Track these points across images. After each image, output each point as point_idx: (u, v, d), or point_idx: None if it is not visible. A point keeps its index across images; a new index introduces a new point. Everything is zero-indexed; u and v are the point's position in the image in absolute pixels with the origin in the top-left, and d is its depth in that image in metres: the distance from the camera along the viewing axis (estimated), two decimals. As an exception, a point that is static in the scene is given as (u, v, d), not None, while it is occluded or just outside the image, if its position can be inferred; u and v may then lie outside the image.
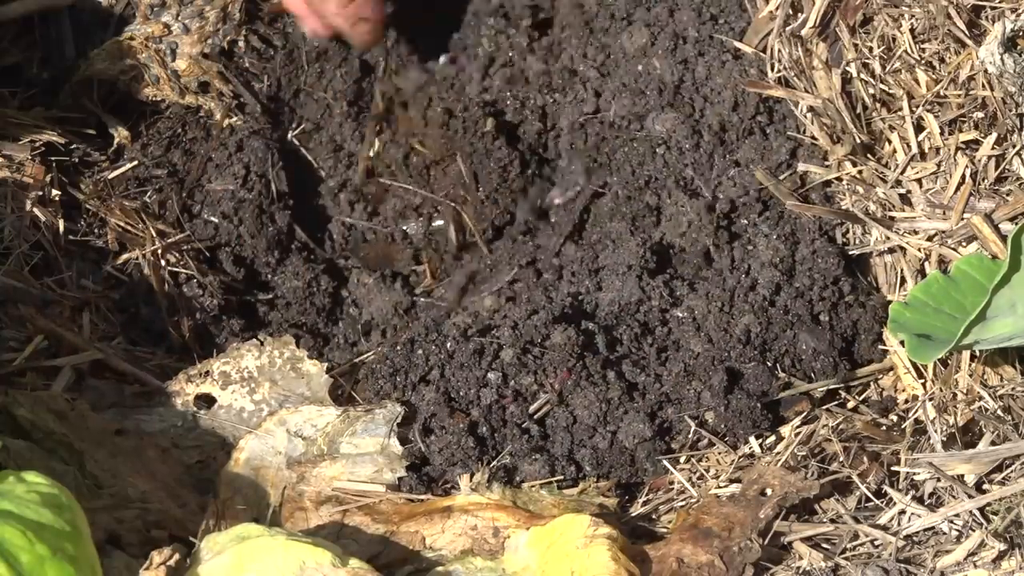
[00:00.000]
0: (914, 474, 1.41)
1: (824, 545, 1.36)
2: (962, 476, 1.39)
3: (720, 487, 1.44)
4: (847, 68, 1.66)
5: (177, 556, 1.27)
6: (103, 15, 1.88)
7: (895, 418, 1.49)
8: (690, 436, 1.48)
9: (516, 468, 1.45)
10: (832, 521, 1.39)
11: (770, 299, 1.57)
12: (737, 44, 1.73)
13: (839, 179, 1.66)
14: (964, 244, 1.57)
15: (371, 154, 1.86)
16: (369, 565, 1.27)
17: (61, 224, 1.70)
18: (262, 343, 1.59)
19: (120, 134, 1.83)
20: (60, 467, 1.39)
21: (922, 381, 1.50)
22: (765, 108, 1.71)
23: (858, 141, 1.64)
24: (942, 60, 1.63)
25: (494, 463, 1.45)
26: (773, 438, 1.49)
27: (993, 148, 1.58)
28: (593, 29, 1.82)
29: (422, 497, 1.42)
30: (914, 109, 1.63)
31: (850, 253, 1.62)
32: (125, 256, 1.73)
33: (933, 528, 1.37)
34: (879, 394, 1.53)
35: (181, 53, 1.85)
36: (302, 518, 1.41)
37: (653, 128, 1.72)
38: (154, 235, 1.74)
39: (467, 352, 1.51)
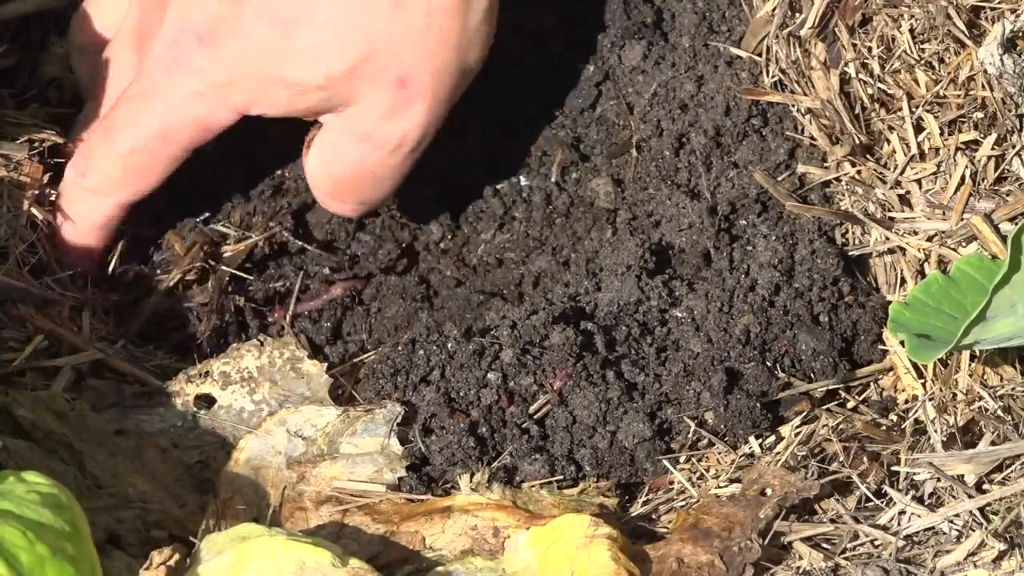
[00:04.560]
0: (914, 474, 1.41)
1: (824, 545, 1.36)
2: (962, 476, 1.39)
3: (720, 487, 1.44)
4: (846, 68, 1.66)
5: (177, 556, 1.27)
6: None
7: (895, 418, 1.49)
8: (690, 436, 1.48)
9: (516, 468, 1.45)
10: (832, 521, 1.39)
11: (769, 299, 1.57)
12: (733, 50, 1.73)
13: (838, 180, 1.66)
14: (964, 244, 1.57)
15: None
16: (369, 565, 1.27)
17: (60, 224, 1.70)
18: (262, 343, 1.59)
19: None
20: (60, 467, 1.39)
21: (922, 381, 1.50)
22: (758, 111, 1.71)
23: (857, 142, 1.64)
24: (942, 60, 1.63)
25: (494, 463, 1.45)
26: (773, 438, 1.49)
27: (993, 148, 1.58)
28: None
29: (422, 497, 1.42)
30: (913, 109, 1.63)
31: (850, 254, 1.62)
32: (125, 256, 1.73)
33: (933, 528, 1.37)
34: (879, 394, 1.53)
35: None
36: (302, 518, 1.41)
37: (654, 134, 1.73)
38: (154, 234, 1.74)
39: (467, 352, 1.51)
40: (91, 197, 1.67)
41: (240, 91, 1.59)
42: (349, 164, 1.65)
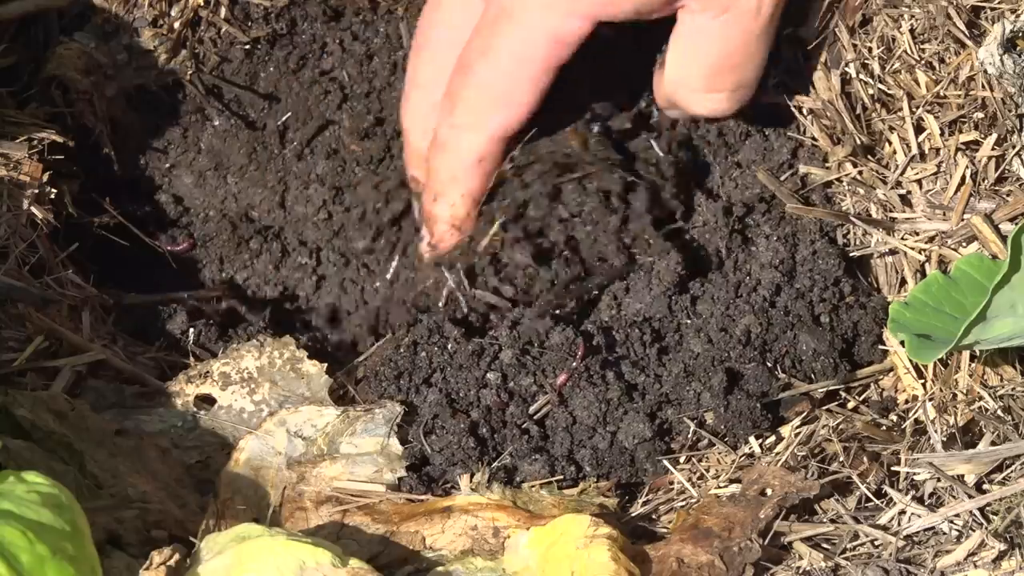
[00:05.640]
0: (914, 474, 1.41)
1: (824, 545, 1.36)
2: (962, 476, 1.39)
3: (720, 487, 1.44)
4: (846, 69, 1.67)
5: (177, 556, 1.27)
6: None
7: (895, 418, 1.49)
8: (690, 436, 1.48)
9: (516, 468, 1.45)
10: (832, 521, 1.39)
11: (771, 300, 1.57)
12: None
13: (839, 180, 1.66)
14: (964, 244, 1.57)
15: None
16: (369, 565, 1.27)
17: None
18: (262, 344, 1.58)
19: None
20: (60, 467, 1.39)
21: (922, 381, 1.50)
22: (761, 112, 1.71)
23: (858, 142, 1.64)
24: (942, 60, 1.63)
25: (494, 463, 1.45)
26: (773, 438, 1.49)
27: (993, 149, 1.58)
28: None
29: (422, 497, 1.42)
30: (914, 110, 1.63)
31: (851, 254, 1.62)
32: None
33: (933, 528, 1.37)
34: (879, 394, 1.53)
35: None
36: (302, 518, 1.41)
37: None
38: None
39: (467, 353, 1.51)
40: (463, 134, 1.62)
41: None
42: (717, 42, 1.59)
